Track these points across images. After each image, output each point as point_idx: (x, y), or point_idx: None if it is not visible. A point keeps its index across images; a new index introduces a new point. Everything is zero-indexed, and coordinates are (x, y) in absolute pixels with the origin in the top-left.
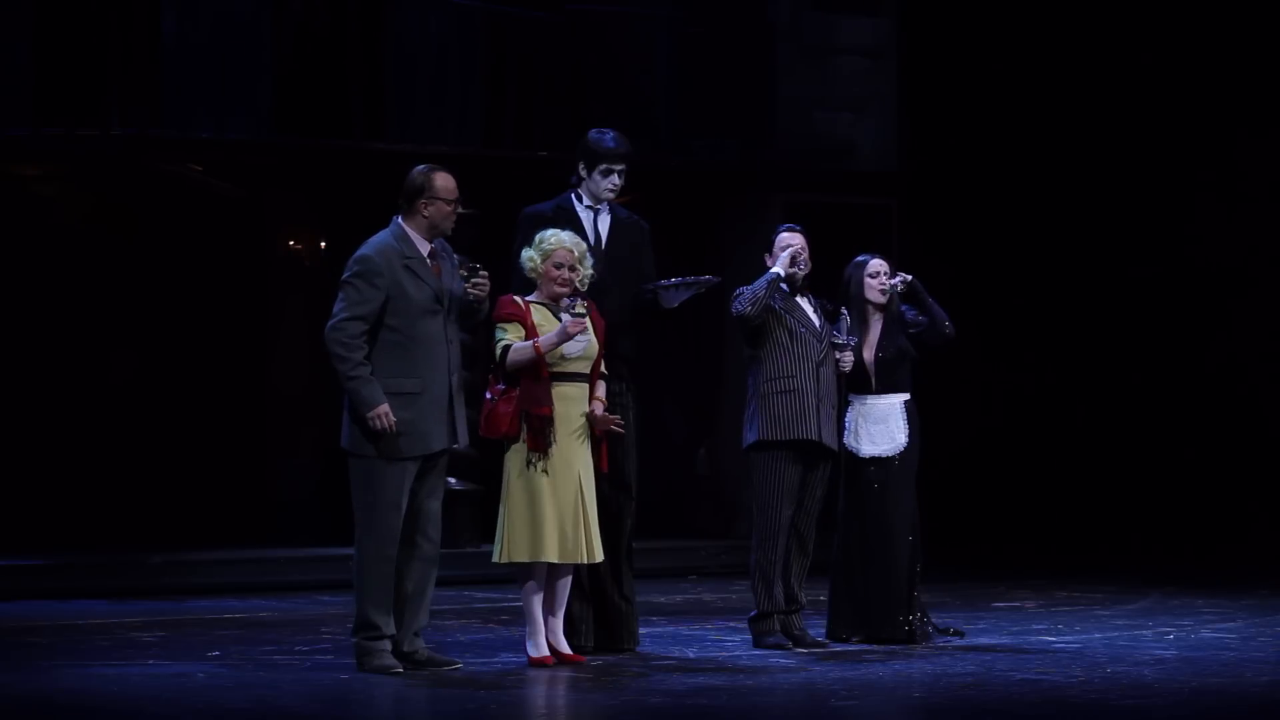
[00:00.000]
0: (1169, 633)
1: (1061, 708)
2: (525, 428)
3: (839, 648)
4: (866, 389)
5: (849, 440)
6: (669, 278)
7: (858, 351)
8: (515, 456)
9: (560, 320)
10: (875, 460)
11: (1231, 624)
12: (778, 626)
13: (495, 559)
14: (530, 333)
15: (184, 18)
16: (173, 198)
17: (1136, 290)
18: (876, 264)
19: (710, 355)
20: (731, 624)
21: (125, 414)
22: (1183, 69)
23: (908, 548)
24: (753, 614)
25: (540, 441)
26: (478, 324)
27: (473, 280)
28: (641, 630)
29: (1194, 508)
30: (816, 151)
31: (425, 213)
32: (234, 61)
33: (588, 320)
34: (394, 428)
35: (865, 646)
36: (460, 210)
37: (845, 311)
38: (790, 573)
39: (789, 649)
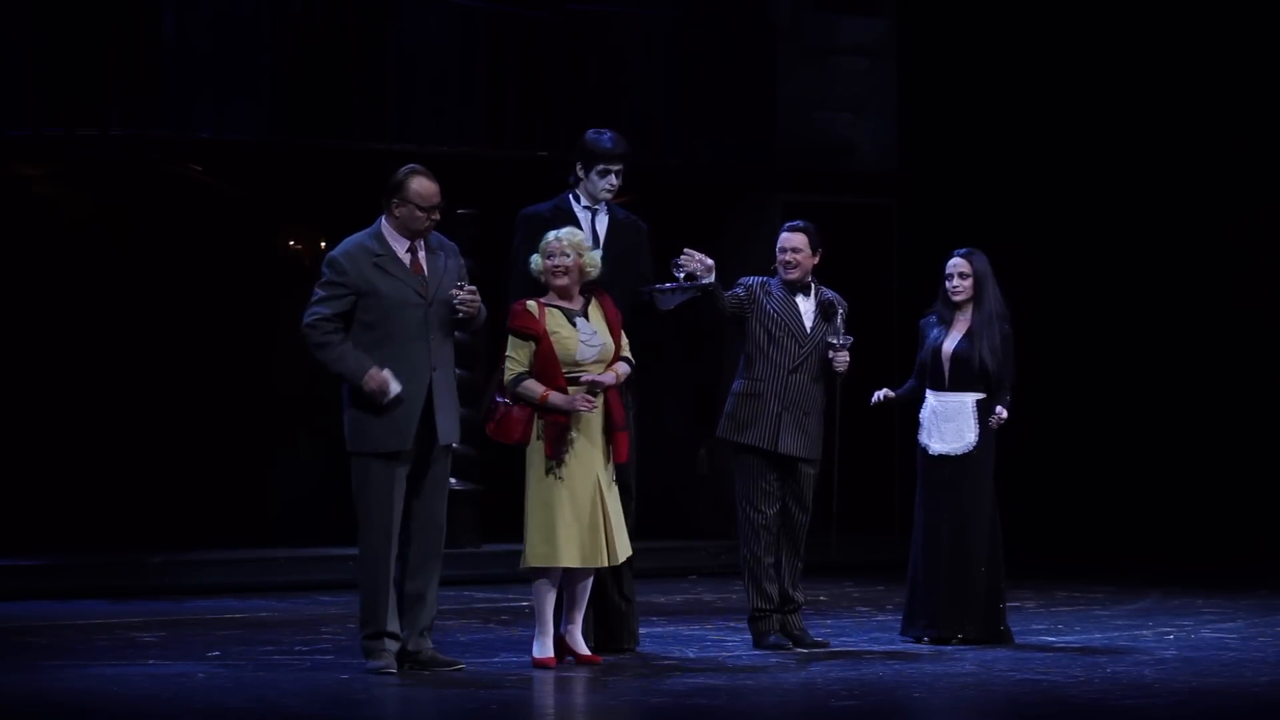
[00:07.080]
0: (1169, 633)
1: (1061, 708)
2: (542, 434)
3: (839, 647)
4: (940, 385)
5: (921, 437)
6: (666, 280)
7: (936, 347)
8: (534, 461)
9: (576, 326)
10: (944, 458)
11: (1231, 624)
12: (777, 626)
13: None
14: (544, 343)
15: (184, 18)
16: (173, 198)
17: (1137, 290)
18: (951, 264)
19: (710, 355)
20: (731, 624)
21: (125, 414)
22: (1184, 66)
23: (985, 548)
24: (751, 614)
25: (557, 448)
26: (476, 330)
27: (459, 299)
28: (641, 630)
29: (1194, 508)
30: (816, 152)
31: (396, 213)
32: (234, 61)
33: (598, 401)
34: (386, 386)
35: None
36: (459, 211)
37: (841, 309)
38: (783, 573)
39: (789, 649)
